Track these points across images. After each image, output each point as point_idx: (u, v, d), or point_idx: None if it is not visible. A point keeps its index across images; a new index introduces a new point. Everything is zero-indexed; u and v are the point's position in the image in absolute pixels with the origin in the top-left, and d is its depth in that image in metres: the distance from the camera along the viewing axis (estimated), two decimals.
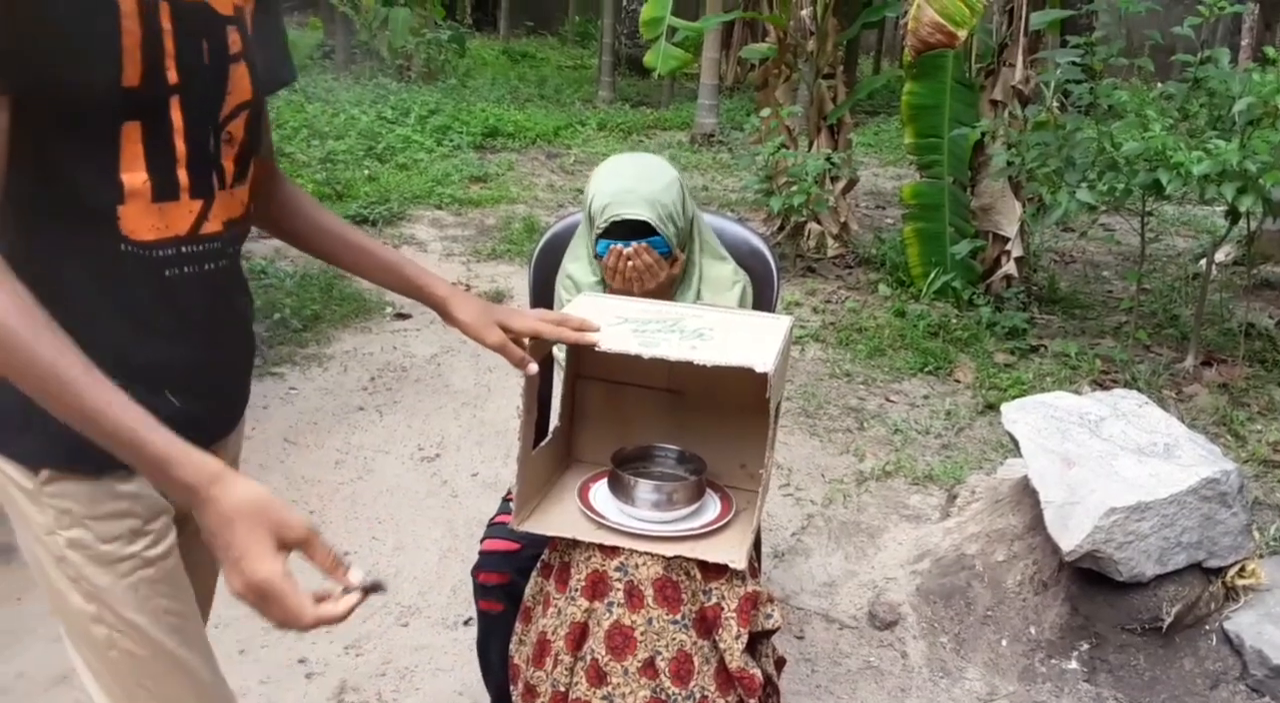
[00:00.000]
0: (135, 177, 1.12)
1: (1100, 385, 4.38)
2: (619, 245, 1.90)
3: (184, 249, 1.18)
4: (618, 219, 1.89)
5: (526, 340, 1.53)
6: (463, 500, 3.30)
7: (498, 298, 5.16)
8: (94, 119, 1.08)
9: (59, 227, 1.11)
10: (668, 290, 1.98)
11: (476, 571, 1.89)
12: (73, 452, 1.10)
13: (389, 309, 4.89)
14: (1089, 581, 2.50)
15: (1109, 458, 2.55)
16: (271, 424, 3.69)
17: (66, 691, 2.31)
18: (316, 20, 14.45)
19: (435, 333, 4.69)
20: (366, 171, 7.40)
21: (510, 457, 3.63)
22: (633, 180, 1.92)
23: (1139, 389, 4.05)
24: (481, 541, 1.93)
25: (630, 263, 1.90)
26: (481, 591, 1.89)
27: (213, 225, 1.21)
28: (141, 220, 1.13)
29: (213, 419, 1.33)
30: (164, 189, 1.14)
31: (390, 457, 3.56)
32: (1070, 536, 2.41)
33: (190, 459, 1.00)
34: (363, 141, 8.25)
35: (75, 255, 1.12)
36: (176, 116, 1.14)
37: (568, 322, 1.56)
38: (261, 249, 5.47)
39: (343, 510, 3.19)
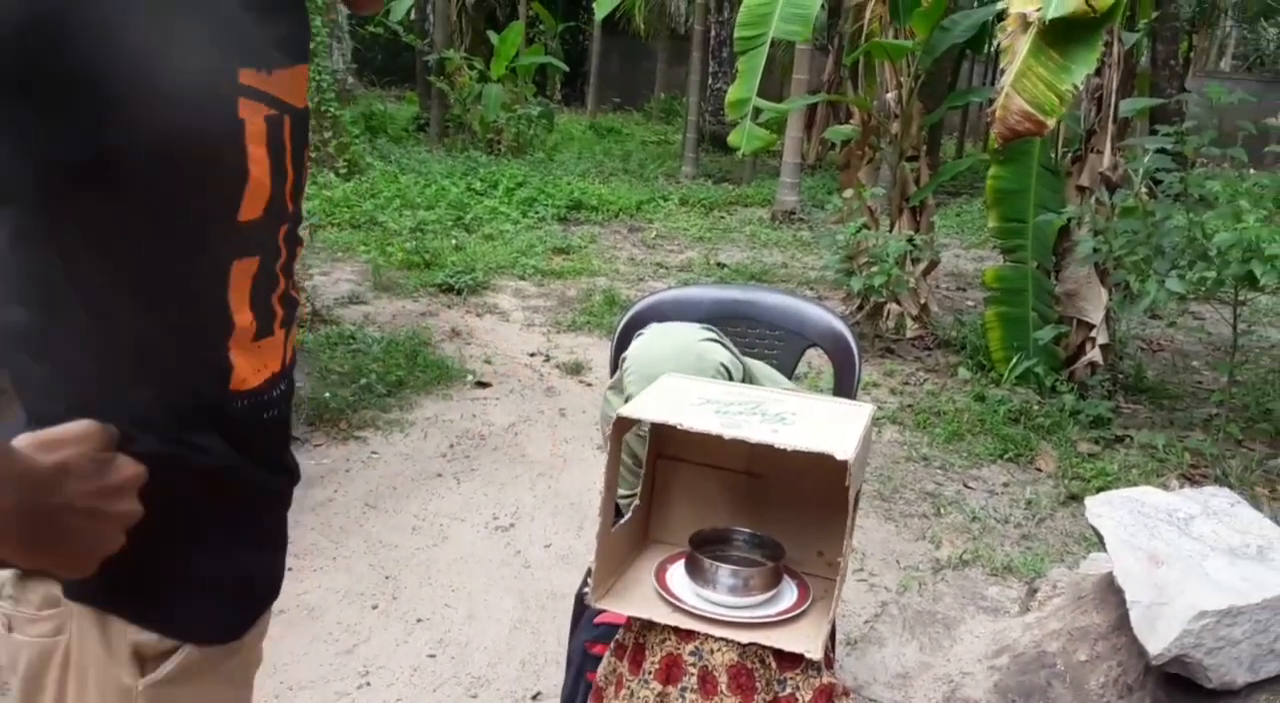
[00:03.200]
0: (243, 317, 0.96)
1: (1189, 480, 4.25)
2: None
3: (276, 391, 1.03)
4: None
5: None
6: (535, 572, 3.32)
7: (576, 369, 5.22)
8: (206, 257, 0.93)
9: (156, 381, 0.94)
10: None
11: (592, 642, 1.88)
12: None
13: (470, 377, 4.98)
14: (1176, 686, 2.41)
15: (1199, 558, 2.47)
16: (353, 487, 3.77)
17: None
18: (413, 95, 14.99)
19: (513, 402, 4.76)
20: (454, 241, 7.59)
21: (584, 529, 3.66)
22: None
23: (1230, 486, 3.92)
24: (595, 614, 1.89)
25: None
26: (594, 662, 1.86)
27: (289, 355, 1.06)
28: (248, 363, 0.98)
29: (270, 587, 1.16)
30: (264, 325, 0.99)
31: (466, 525, 3.60)
32: (1158, 638, 2.33)
33: None
34: (452, 212, 8.49)
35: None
36: (282, 245, 1.00)
37: None
38: (351, 315, 5.63)
39: (417, 576, 3.23)
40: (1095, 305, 5.26)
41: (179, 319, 0.93)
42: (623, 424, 1.65)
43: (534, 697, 2.66)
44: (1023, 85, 4.69)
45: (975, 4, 8.03)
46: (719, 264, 7.86)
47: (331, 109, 9.39)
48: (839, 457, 1.46)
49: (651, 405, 1.65)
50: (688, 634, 1.59)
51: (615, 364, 2.35)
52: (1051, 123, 4.77)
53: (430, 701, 2.63)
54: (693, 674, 1.57)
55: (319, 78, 9.23)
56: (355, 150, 9.76)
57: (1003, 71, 4.84)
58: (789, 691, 1.55)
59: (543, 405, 4.74)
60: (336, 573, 3.21)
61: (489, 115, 11.95)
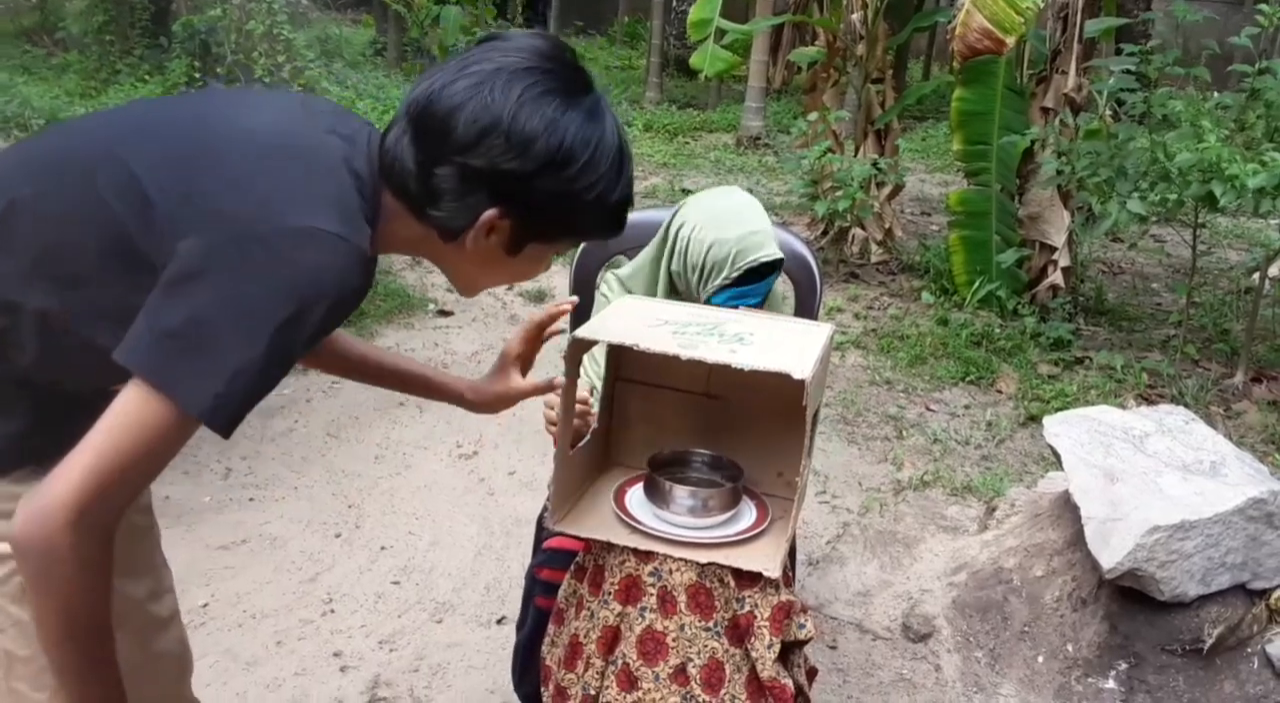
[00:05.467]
0: None
1: (1146, 400, 4.31)
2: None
3: None
4: (762, 261, 1.92)
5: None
6: (499, 498, 3.32)
7: (540, 297, 5.18)
8: None
9: None
10: None
11: (538, 567, 1.89)
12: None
13: (431, 306, 4.93)
14: (1129, 599, 2.46)
15: (1153, 475, 2.51)
16: (314, 417, 3.74)
17: None
18: (369, 18, 14.59)
19: (476, 330, 4.72)
20: None
21: (547, 456, 3.64)
22: (753, 220, 1.96)
23: (1186, 405, 3.98)
24: (545, 538, 1.91)
25: None
26: (541, 587, 1.87)
27: None
28: None
29: None
30: None
31: (429, 453, 3.59)
32: (1111, 553, 2.37)
33: None
34: None
35: None
36: None
37: (540, 323, 1.57)
38: None
39: (381, 505, 3.22)
40: (1058, 228, 5.27)
41: None
42: (579, 346, 1.62)
43: (498, 621, 2.68)
44: (983, 2, 4.64)
45: None
46: (684, 190, 7.78)
47: (284, 33, 9.11)
48: (796, 376, 1.45)
49: (608, 327, 1.63)
50: (647, 555, 1.59)
51: (574, 288, 2.32)
52: (1011, 41, 4.73)
53: (395, 626, 2.64)
54: (652, 594, 1.57)
55: (271, 0, 8.96)
56: (310, 75, 9.47)
57: None
58: (747, 608, 1.56)
59: (505, 333, 4.71)
60: (299, 502, 3.20)
61: (448, 39, 11.63)
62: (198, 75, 8.33)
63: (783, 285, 2.18)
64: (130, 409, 1.02)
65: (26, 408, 1.16)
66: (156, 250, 1.05)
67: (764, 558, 1.58)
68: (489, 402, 1.61)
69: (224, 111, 1.20)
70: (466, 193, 1.13)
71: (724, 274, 1.93)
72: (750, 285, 1.95)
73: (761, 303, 1.98)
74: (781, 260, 1.95)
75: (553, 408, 1.75)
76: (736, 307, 1.91)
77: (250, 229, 1.03)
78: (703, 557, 1.57)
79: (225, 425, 1.05)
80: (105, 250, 1.08)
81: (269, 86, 8.68)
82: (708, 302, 1.95)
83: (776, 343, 1.59)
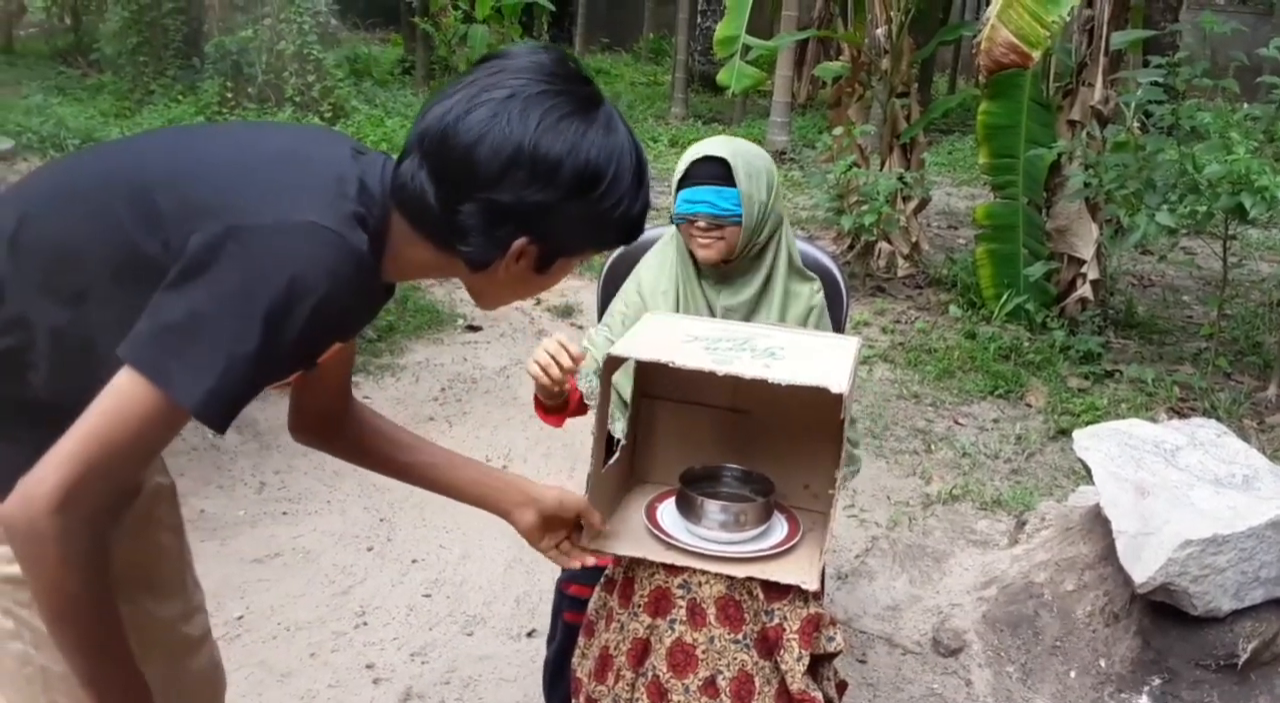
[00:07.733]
0: None
1: (1178, 413, 4.28)
2: (700, 215, 1.96)
3: None
4: (699, 157, 1.97)
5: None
6: None
7: (567, 312, 5.21)
8: None
9: None
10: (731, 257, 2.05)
11: (566, 582, 1.90)
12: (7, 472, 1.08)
13: (460, 321, 4.97)
14: (1162, 614, 2.45)
15: (1185, 488, 2.50)
16: None
17: None
18: (397, 37, 14.74)
19: (504, 345, 4.75)
20: None
21: (576, 470, 3.67)
22: (724, 140, 2.02)
23: (1218, 418, 3.95)
24: None
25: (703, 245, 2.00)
26: (570, 602, 1.89)
27: None
28: None
29: None
30: None
31: None
32: (1143, 567, 2.36)
33: None
34: None
35: None
36: None
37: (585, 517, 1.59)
38: None
39: (412, 518, 3.25)
40: (1086, 241, 5.24)
41: None
42: (612, 363, 1.64)
43: (528, 634, 2.70)
44: (1009, 16, 4.64)
45: None
46: None
47: (314, 52, 9.23)
48: (834, 390, 1.46)
49: (640, 345, 1.64)
50: (676, 568, 1.60)
51: (602, 306, 2.34)
52: (1037, 55, 4.73)
53: (426, 639, 2.66)
54: (681, 607, 1.58)
55: (300, 20, 9.07)
56: (340, 94, 9.60)
57: (989, 2, 4.79)
58: (776, 621, 1.56)
59: (534, 348, 4.73)
60: (331, 516, 3.23)
61: (475, 57, 11.73)
62: (230, 95, 8.42)
63: (818, 295, 2.21)
64: (121, 398, 1.02)
65: (36, 436, 1.08)
66: (165, 256, 1.06)
67: (800, 571, 1.59)
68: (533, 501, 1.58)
69: (243, 132, 1.23)
70: (494, 226, 1.13)
71: (677, 179, 2.01)
72: (699, 185, 1.96)
73: (717, 215, 1.97)
74: (724, 161, 1.96)
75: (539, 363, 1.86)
76: (691, 210, 1.96)
77: (247, 222, 1.05)
78: (740, 572, 1.57)
79: (219, 421, 1.05)
80: (115, 266, 1.09)
81: (299, 105, 8.80)
82: (676, 214, 2.01)
83: (808, 357, 1.60)
